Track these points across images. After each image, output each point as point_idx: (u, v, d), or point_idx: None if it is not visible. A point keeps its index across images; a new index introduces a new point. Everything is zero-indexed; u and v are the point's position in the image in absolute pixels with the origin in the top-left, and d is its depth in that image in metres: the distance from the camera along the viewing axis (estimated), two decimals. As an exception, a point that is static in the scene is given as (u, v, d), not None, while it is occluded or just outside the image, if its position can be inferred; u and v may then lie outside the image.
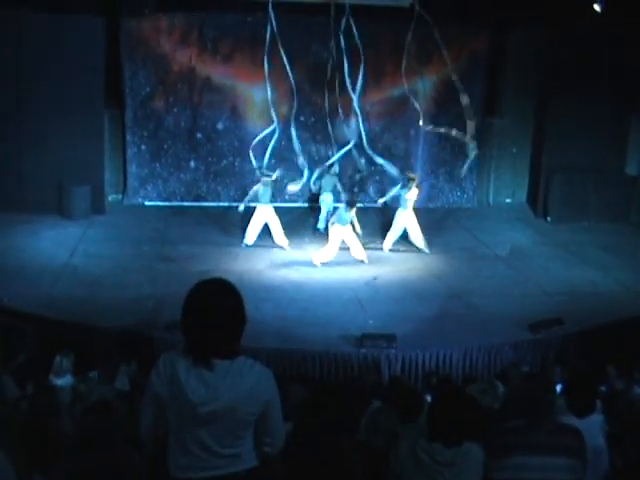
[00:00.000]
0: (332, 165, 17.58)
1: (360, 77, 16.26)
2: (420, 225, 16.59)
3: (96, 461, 4.93)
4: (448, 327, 12.93)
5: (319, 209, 17.82)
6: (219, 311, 3.81)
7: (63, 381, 9.13)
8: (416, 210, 16.62)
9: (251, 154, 16.73)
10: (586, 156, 19.12)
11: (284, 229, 16.49)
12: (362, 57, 15.99)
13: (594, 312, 13.38)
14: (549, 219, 19.49)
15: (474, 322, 13.16)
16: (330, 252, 15.53)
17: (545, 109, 19.55)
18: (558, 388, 7.59)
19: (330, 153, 17.68)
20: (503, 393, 8.69)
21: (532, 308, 13.62)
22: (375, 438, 5.39)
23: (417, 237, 16.56)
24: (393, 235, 16.59)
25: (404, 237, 16.70)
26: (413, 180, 16.45)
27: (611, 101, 18.90)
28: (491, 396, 8.47)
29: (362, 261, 15.66)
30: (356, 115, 16.97)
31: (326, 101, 17.32)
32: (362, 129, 16.89)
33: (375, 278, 14.94)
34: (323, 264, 15.44)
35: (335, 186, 17.61)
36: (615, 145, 19.62)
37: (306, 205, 19.37)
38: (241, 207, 16.47)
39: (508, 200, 20.78)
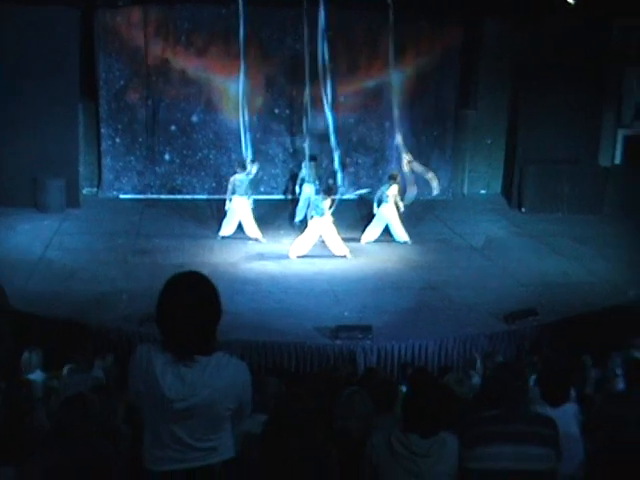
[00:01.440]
0: (314, 157, 17.55)
1: (334, 69, 16.20)
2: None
3: (72, 454, 4.91)
4: (423, 318, 12.98)
5: (297, 201, 17.74)
6: (193, 304, 3.77)
7: (33, 377, 9.02)
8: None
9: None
10: (560, 148, 19.30)
11: (260, 221, 16.45)
12: (336, 49, 15.97)
13: (568, 303, 13.51)
14: (523, 210, 19.62)
15: (449, 313, 13.22)
16: (306, 244, 15.46)
17: (518, 101, 19.64)
18: (533, 378, 7.63)
19: (305, 145, 17.62)
20: (478, 383, 8.72)
21: (507, 299, 13.71)
22: (350, 422, 5.39)
23: (399, 231, 16.56)
24: (374, 229, 16.56)
25: (384, 230, 16.66)
26: (394, 178, 16.48)
27: (584, 93, 19.01)
28: (467, 386, 8.50)
29: (344, 256, 15.57)
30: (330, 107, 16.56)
31: (301, 93, 17.31)
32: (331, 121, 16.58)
33: None
34: (299, 257, 15.42)
35: (315, 177, 17.49)
36: (588, 136, 19.74)
37: (282, 197, 19.37)
38: (227, 205, 16.25)
39: (483, 191, 20.88)
